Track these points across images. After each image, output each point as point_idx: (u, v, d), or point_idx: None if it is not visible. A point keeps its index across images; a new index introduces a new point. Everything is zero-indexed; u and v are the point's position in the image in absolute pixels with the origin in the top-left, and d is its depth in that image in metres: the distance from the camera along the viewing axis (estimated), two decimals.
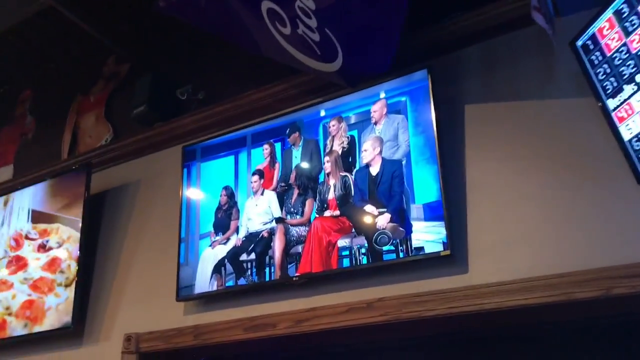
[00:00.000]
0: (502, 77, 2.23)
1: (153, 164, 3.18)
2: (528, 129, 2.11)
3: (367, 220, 2.19)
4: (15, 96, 4.27)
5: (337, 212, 2.29)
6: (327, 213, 2.32)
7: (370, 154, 2.26)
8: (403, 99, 2.27)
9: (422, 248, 2.06)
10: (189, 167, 2.81)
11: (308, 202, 2.38)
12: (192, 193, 2.78)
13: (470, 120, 2.23)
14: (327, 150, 2.40)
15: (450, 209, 2.07)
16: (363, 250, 2.18)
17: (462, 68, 2.32)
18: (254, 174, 2.57)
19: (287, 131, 2.53)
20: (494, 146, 2.15)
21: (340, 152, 2.36)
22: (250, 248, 2.46)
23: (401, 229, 2.11)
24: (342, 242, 2.24)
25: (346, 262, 2.22)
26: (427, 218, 2.09)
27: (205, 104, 3.05)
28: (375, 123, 2.31)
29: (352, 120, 2.39)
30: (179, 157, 2.91)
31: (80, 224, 2.99)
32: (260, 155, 2.59)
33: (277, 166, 2.52)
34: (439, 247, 2.03)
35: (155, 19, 3.40)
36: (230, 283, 2.47)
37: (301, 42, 2.30)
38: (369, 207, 2.21)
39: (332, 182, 2.34)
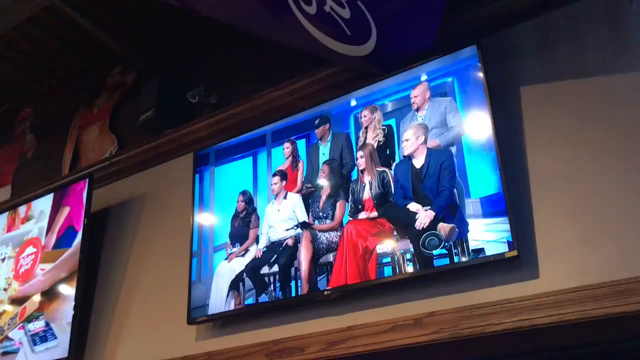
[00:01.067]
0: (563, 53, 1.92)
1: (161, 176, 2.88)
2: (597, 108, 1.80)
3: (412, 220, 1.85)
4: (16, 115, 4.01)
5: (375, 214, 1.97)
6: (363, 215, 1.99)
7: (412, 144, 1.94)
8: (449, 79, 1.97)
9: (481, 250, 1.73)
10: (201, 172, 2.51)
11: (339, 204, 2.06)
12: (206, 201, 2.46)
13: (527, 101, 1.92)
14: (360, 144, 2.08)
15: (514, 203, 1.73)
16: (408, 256, 1.85)
17: (514, 45, 2.02)
18: (274, 175, 2.26)
19: (317, 122, 2.22)
20: (558, 129, 1.83)
21: (375, 145, 2.04)
22: (273, 259, 2.13)
23: (455, 228, 1.77)
24: (382, 248, 1.91)
25: (388, 271, 1.88)
26: (486, 214, 1.76)
27: (219, 108, 2.76)
28: (418, 109, 2.00)
29: (389, 109, 2.08)
30: (189, 167, 2.61)
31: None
32: (281, 155, 2.28)
33: (301, 165, 2.21)
34: (502, 248, 1.69)
35: (163, 21, 3.19)
36: (250, 301, 2.14)
37: (328, 22, 2.02)
38: (413, 206, 1.88)
39: (367, 179, 2.02)
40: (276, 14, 2.09)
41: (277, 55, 2.71)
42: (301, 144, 2.25)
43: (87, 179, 2.82)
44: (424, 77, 2.02)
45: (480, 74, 1.89)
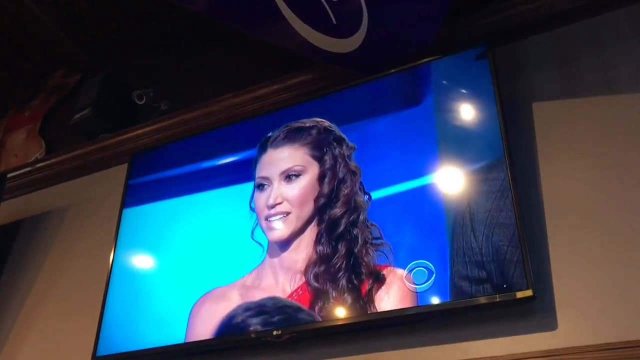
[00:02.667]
0: (583, 67, 1.63)
1: (89, 186, 2.42)
2: (625, 127, 1.47)
3: None
4: None
5: None
6: None
7: None
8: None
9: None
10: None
11: None
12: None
13: (542, 118, 1.59)
14: None
15: (527, 232, 1.36)
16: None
17: (527, 58, 1.72)
18: None
19: None
20: (578, 150, 1.50)
21: None
22: None
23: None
24: None
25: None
26: None
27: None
28: None
29: None
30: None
31: None
32: None
33: None
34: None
35: (118, 21, 2.81)
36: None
37: (311, 8, 1.68)
38: None
39: None
40: None
41: (243, 62, 2.37)
42: None
43: None
44: None
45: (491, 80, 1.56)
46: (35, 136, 2.80)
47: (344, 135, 1.68)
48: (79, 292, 2.10)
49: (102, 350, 1.75)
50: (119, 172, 2.27)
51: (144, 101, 2.37)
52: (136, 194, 2.02)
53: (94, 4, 2.72)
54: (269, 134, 1.79)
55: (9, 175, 2.49)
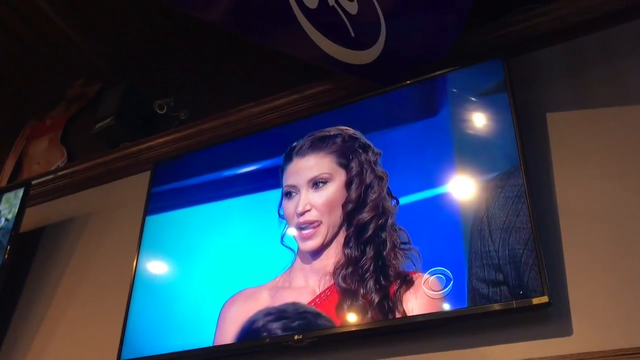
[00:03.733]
0: (598, 78, 1.66)
1: (111, 194, 2.47)
2: (638, 137, 1.51)
3: None
4: None
5: None
6: None
7: None
8: None
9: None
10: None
11: None
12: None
13: (556, 128, 1.63)
14: None
15: (542, 239, 1.40)
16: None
17: (541, 69, 1.75)
18: None
19: None
20: (593, 160, 1.54)
21: None
22: None
23: None
24: None
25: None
26: None
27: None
28: None
29: None
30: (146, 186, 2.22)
31: None
32: None
33: None
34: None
35: (139, 31, 2.87)
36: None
37: (330, 20, 1.72)
38: None
39: None
40: (270, 8, 1.79)
41: (263, 73, 2.43)
42: None
43: (23, 190, 2.39)
44: None
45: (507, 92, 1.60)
46: (57, 144, 2.87)
47: (369, 142, 1.72)
48: (102, 297, 2.15)
49: (127, 354, 1.80)
50: (140, 180, 2.33)
51: (164, 111, 2.42)
52: (159, 201, 2.07)
53: (114, 15, 2.79)
54: (294, 144, 1.83)
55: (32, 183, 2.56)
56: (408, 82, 1.80)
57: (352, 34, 1.73)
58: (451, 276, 1.42)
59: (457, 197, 1.55)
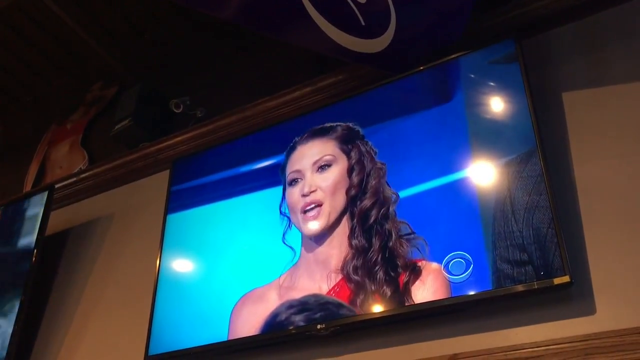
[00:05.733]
0: (614, 55, 1.63)
1: (132, 194, 2.51)
2: None
3: None
4: None
5: None
6: None
7: None
8: None
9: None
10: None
11: None
12: None
13: (572, 107, 1.61)
14: None
15: (562, 219, 1.39)
16: None
17: (555, 48, 1.73)
18: None
19: None
20: (611, 138, 1.52)
21: None
22: None
23: None
24: None
25: None
26: None
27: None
28: None
29: None
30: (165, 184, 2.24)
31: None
32: None
33: None
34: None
35: (152, 31, 2.91)
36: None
37: (339, 9, 1.72)
38: None
39: None
40: (281, 2, 1.80)
41: (275, 69, 2.44)
42: None
43: (47, 194, 2.43)
44: None
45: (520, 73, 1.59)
46: (78, 148, 2.92)
47: (367, 140, 1.75)
48: (128, 295, 2.19)
49: (154, 350, 1.83)
50: (160, 179, 2.36)
51: (181, 109, 2.45)
52: (179, 199, 2.09)
53: (128, 18, 2.83)
54: (296, 139, 1.86)
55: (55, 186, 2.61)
56: (422, 67, 1.80)
57: (363, 23, 1.73)
58: (471, 260, 1.42)
59: (474, 181, 1.55)
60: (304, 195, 1.72)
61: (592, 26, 1.71)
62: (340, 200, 1.67)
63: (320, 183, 1.71)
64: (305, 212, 1.71)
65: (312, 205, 1.70)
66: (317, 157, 1.77)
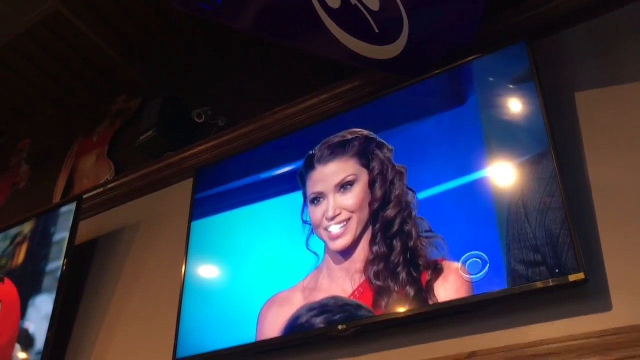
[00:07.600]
0: (624, 55, 1.65)
1: (158, 203, 2.58)
2: None
3: None
4: (13, 145, 3.78)
5: None
6: None
7: None
8: None
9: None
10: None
11: None
12: None
13: (584, 107, 1.63)
14: None
15: (576, 217, 1.41)
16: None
17: (567, 48, 1.76)
18: None
19: None
20: (625, 138, 1.53)
21: None
22: None
23: None
24: None
25: None
26: None
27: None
28: None
29: None
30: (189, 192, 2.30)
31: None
32: None
33: None
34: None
35: (173, 44, 2.99)
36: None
37: (352, 18, 1.77)
38: None
39: None
40: (295, 10, 1.86)
41: (293, 76, 2.49)
42: None
43: (76, 204, 2.51)
44: None
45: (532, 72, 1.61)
46: (104, 159, 3.00)
47: (383, 140, 1.78)
48: (155, 300, 2.25)
49: (181, 352, 1.89)
50: (184, 187, 2.42)
51: (202, 119, 2.51)
52: (202, 206, 2.15)
53: (148, 31, 2.92)
54: (311, 152, 1.90)
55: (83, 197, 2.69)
56: (435, 72, 1.83)
57: (376, 30, 1.77)
58: (487, 259, 1.45)
59: (489, 183, 1.57)
60: (328, 219, 1.75)
61: (603, 26, 1.73)
62: (365, 213, 1.71)
63: (344, 203, 1.75)
64: (327, 228, 1.75)
65: (338, 227, 1.73)
66: (339, 179, 1.79)
